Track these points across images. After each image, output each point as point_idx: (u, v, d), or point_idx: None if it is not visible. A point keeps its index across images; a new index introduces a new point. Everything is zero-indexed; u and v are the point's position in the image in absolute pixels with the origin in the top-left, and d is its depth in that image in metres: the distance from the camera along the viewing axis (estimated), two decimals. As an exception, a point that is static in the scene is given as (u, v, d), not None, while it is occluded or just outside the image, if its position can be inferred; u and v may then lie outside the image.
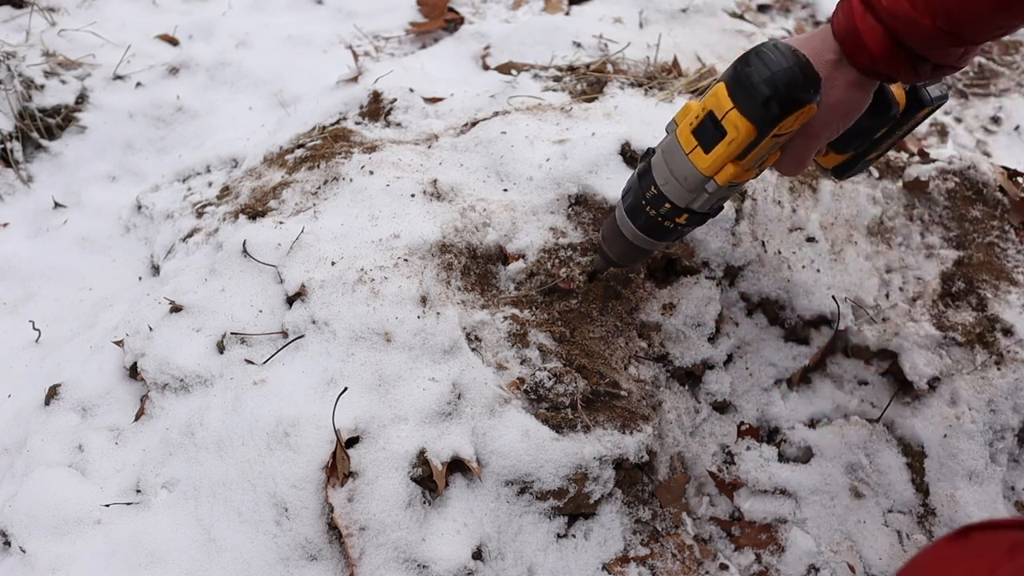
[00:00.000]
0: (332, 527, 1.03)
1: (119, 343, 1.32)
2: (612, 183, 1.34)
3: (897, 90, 1.04)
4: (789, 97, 0.85)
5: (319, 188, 1.46)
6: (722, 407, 1.34)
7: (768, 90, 0.84)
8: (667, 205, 1.01)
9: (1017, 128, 2.03)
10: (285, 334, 1.22)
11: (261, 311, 1.26)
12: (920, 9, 0.80)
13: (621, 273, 1.30)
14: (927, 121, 2.01)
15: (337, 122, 1.71)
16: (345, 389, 1.09)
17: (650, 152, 1.03)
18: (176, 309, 1.30)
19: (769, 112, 0.85)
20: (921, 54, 0.85)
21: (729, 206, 1.35)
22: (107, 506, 1.12)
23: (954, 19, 0.80)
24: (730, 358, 1.36)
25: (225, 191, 1.63)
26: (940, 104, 1.09)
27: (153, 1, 2.43)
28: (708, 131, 0.91)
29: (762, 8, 2.43)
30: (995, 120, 2.06)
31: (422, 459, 1.07)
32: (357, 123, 1.69)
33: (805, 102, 0.85)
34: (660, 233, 1.06)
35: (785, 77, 0.84)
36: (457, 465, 1.09)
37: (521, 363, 1.20)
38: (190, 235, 1.53)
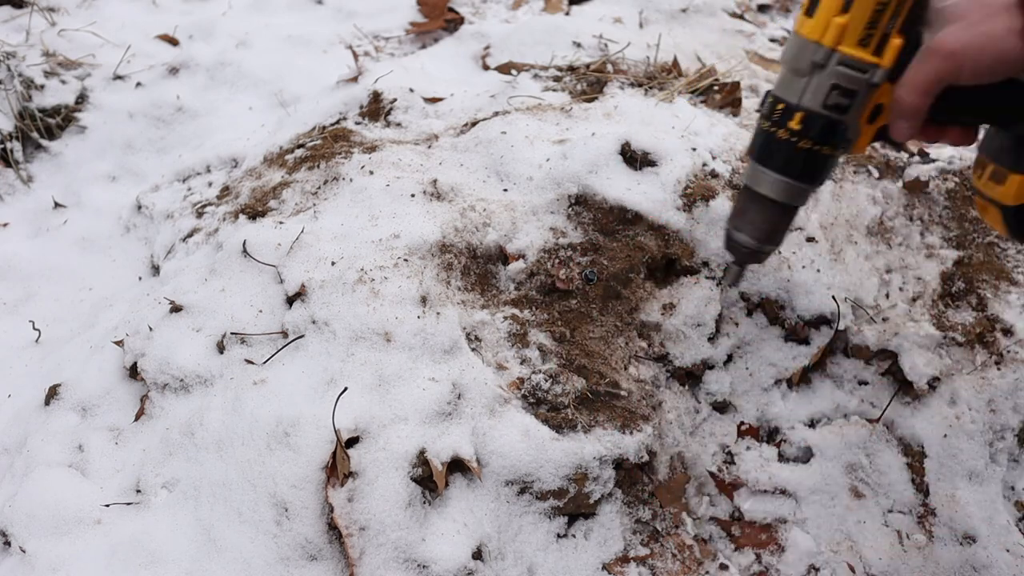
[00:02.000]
0: (332, 527, 1.03)
1: (119, 343, 1.32)
2: (612, 183, 1.34)
3: None
4: None
5: (319, 188, 1.46)
6: (722, 407, 1.34)
7: None
8: (779, 107, 0.88)
9: (1017, 128, 2.02)
10: (285, 334, 1.22)
11: (261, 311, 1.26)
12: None
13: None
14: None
15: (337, 122, 1.71)
16: (345, 389, 1.10)
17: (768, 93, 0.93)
18: (176, 309, 1.30)
19: None
20: None
21: (729, 206, 1.35)
22: (107, 506, 1.12)
23: None
24: (730, 358, 1.36)
25: (225, 191, 1.63)
26: None
27: (153, 1, 2.43)
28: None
29: (762, 8, 2.43)
30: (995, 120, 2.06)
31: (422, 459, 1.07)
32: (357, 123, 1.69)
33: None
34: (792, 161, 0.91)
35: None
36: (457, 465, 1.09)
37: (521, 363, 1.20)
38: (190, 235, 1.53)
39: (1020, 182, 0.90)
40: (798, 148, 0.90)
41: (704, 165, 1.42)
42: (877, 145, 1.72)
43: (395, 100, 1.70)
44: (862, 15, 0.81)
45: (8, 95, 1.91)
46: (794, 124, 0.88)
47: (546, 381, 1.17)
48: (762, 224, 0.98)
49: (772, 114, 0.90)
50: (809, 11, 0.82)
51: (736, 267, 1.06)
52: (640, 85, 1.74)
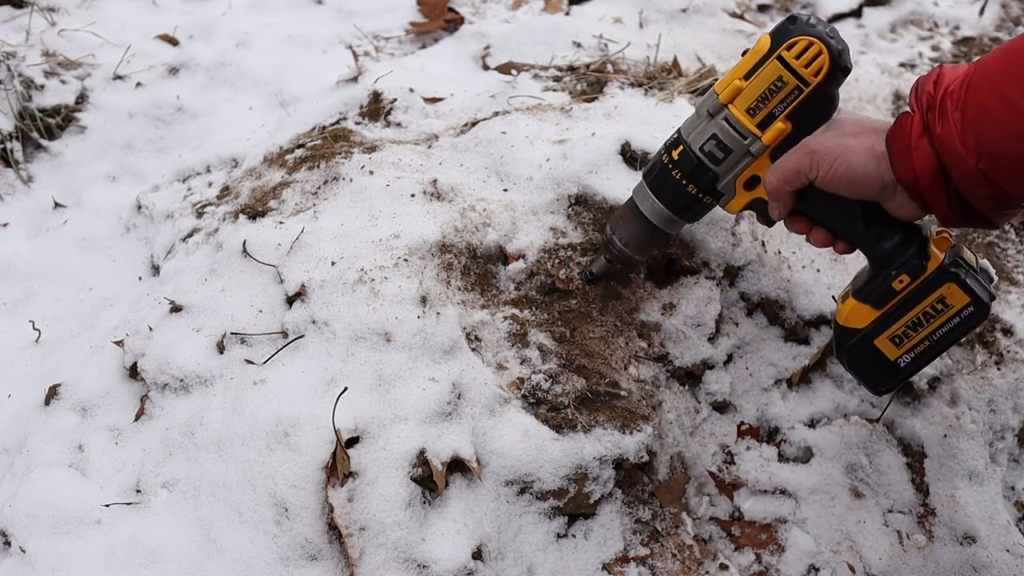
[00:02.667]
0: (332, 527, 1.03)
1: (119, 343, 1.32)
2: (612, 183, 1.34)
3: (934, 251, 0.94)
4: (809, 25, 0.88)
5: (319, 188, 1.46)
6: (722, 407, 1.34)
7: (791, 19, 0.89)
8: (674, 136, 1.02)
9: (1017, 128, 2.02)
10: (285, 334, 1.22)
11: (261, 311, 1.27)
12: (968, 146, 0.79)
13: (623, 272, 1.30)
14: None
15: (337, 122, 1.71)
16: (345, 389, 1.10)
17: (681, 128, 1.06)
18: (176, 309, 1.30)
19: (784, 30, 0.89)
20: (961, 190, 0.84)
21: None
22: (107, 506, 1.12)
23: (996, 164, 0.79)
24: (730, 358, 1.36)
25: (225, 191, 1.63)
26: (976, 316, 0.92)
27: (153, 1, 2.43)
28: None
29: (762, 8, 2.43)
30: (995, 120, 2.06)
31: (422, 459, 1.07)
32: (357, 123, 1.69)
33: (819, 36, 0.88)
34: (669, 192, 1.04)
35: (820, 24, 0.88)
36: (457, 465, 1.09)
37: (521, 363, 1.20)
38: (190, 235, 1.53)
39: (852, 306, 0.98)
40: (672, 176, 1.02)
41: (704, 165, 1.41)
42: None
43: (395, 100, 1.70)
44: (756, 88, 0.92)
45: (8, 95, 1.91)
46: (675, 154, 1.00)
47: (546, 381, 1.17)
48: (634, 235, 1.11)
49: (668, 140, 1.01)
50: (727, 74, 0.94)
51: (604, 261, 1.18)
52: (640, 85, 1.74)
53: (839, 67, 0.90)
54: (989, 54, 0.83)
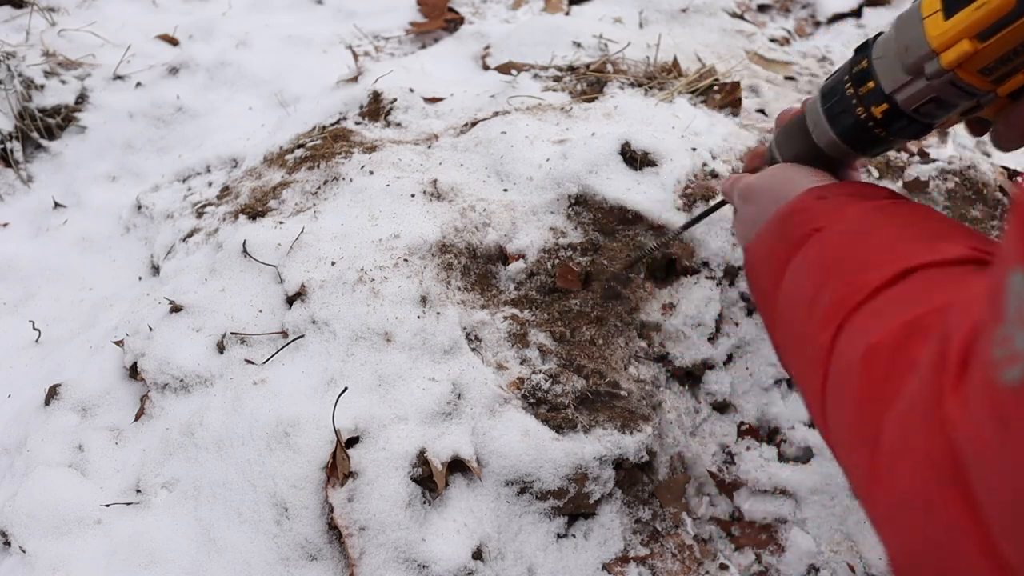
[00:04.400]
0: (332, 527, 1.03)
1: (119, 343, 1.32)
2: (612, 183, 1.34)
3: None
4: None
5: (319, 188, 1.46)
6: (722, 407, 1.34)
7: None
8: (869, 84, 0.80)
9: (1017, 128, 2.02)
10: (285, 334, 1.22)
11: (261, 311, 1.26)
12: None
13: (621, 274, 1.30)
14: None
15: (337, 122, 1.71)
16: (345, 389, 1.09)
17: (868, 44, 0.82)
18: (176, 309, 1.30)
19: None
20: None
21: (729, 206, 1.35)
22: (107, 506, 1.12)
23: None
24: (730, 358, 1.36)
25: (225, 191, 1.63)
26: None
27: (153, 1, 2.43)
28: None
29: (762, 8, 2.43)
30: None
31: (422, 459, 1.07)
32: (357, 123, 1.69)
33: None
34: (866, 142, 0.85)
35: None
36: (457, 465, 1.09)
37: (521, 363, 1.20)
38: (190, 235, 1.53)
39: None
40: (868, 128, 0.84)
41: (704, 165, 1.41)
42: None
43: (395, 100, 1.70)
44: (996, 50, 0.72)
45: (8, 95, 1.91)
46: (876, 111, 0.82)
47: (546, 381, 1.17)
48: (799, 156, 0.94)
49: (860, 85, 0.82)
50: (947, 13, 0.71)
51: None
52: (640, 85, 1.74)
53: None
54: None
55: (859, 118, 0.84)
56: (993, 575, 0.37)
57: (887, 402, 0.50)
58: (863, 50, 0.82)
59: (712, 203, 1.22)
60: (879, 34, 0.81)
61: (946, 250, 0.60)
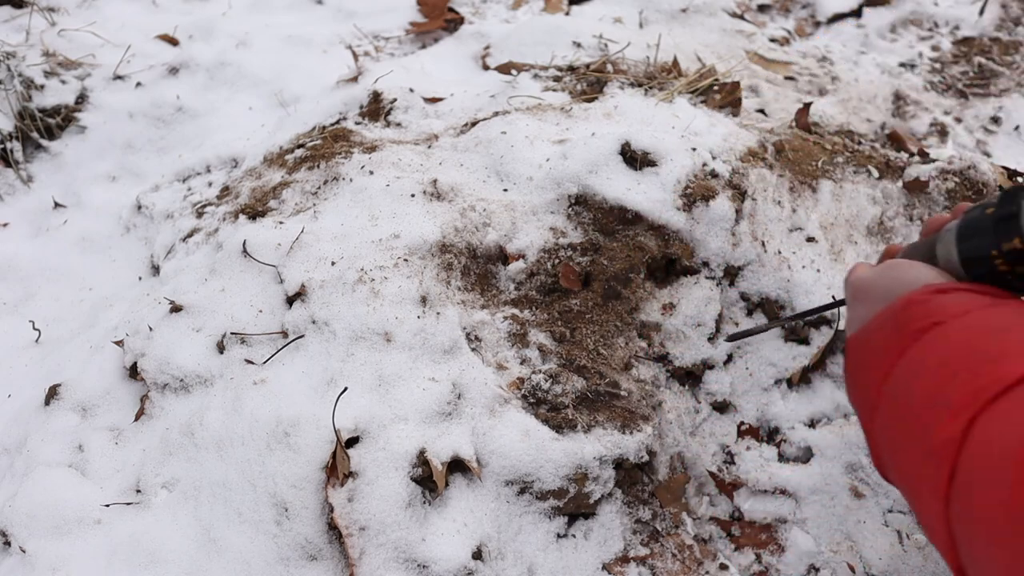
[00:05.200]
0: (332, 527, 1.03)
1: (119, 343, 1.32)
2: (612, 183, 1.34)
3: None
4: None
5: (319, 188, 1.46)
6: (722, 407, 1.34)
7: None
8: (1017, 243, 0.76)
9: (1017, 128, 2.03)
10: (285, 334, 1.22)
11: (261, 311, 1.26)
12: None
13: (622, 275, 1.30)
14: (926, 120, 2.01)
15: (337, 122, 1.71)
16: (345, 389, 1.10)
17: (1020, 193, 0.77)
18: (176, 309, 1.30)
19: None
20: None
21: (729, 206, 1.35)
22: (107, 506, 1.12)
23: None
24: (730, 358, 1.36)
25: (225, 191, 1.63)
26: None
27: (153, 1, 2.43)
28: None
29: (762, 8, 2.43)
30: (995, 120, 2.06)
31: (422, 459, 1.07)
32: (357, 123, 1.69)
33: None
34: (996, 282, 0.82)
35: None
36: (457, 465, 1.09)
37: (521, 363, 1.20)
38: (190, 235, 1.53)
39: None
40: (1006, 274, 0.80)
41: (704, 165, 1.41)
42: (878, 145, 1.72)
43: (395, 100, 1.70)
44: None
45: (8, 95, 1.91)
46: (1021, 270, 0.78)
47: (546, 381, 1.17)
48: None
49: (1017, 266, 0.78)
50: None
51: None
52: (640, 85, 1.74)
53: None
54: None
55: (1002, 272, 0.80)
56: None
57: None
58: (1010, 220, 0.77)
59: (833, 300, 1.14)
60: (1018, 193, 0.77)
61: None
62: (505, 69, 1.90)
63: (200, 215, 1.58)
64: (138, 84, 2.06)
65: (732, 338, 1.31)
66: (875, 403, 0.72)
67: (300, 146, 1.63)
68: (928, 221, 0.93)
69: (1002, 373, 0.57)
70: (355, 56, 2.09)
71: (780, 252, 1.38)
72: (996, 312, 0.68)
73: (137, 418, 1.23)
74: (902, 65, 2.17)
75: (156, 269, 1.59)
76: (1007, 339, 0.62)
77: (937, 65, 2.21)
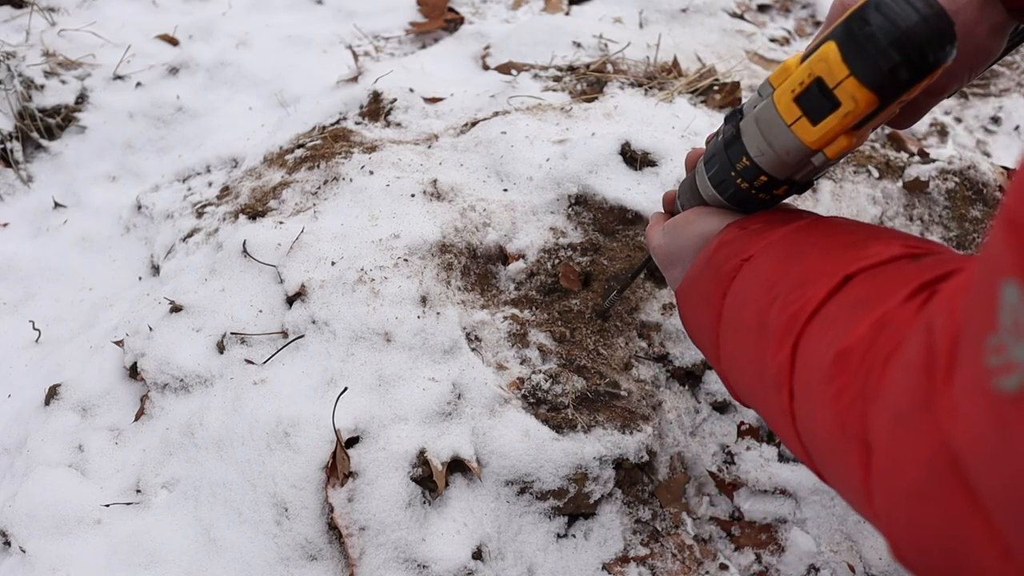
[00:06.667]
0: (332, 527, 1.03)
1: (119, 343, 1.32)
2: (612, 183, 1.34)
3: None
4: (922, 61, 0.67)
5: (319, 188, 1.46)
6: (722, 407, 1.34)
7: (897, 55, 0.66)
8: (763, 178, 0.84)
9: (1017, 128, 2.03)
10: (285, 334, 1.22)
11: (261, 311, 1.26)
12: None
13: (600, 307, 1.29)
14: (926, 120, 2.01)
15: (337, 122, 1.71)
16: (345, 389, 1.09)
17: (737, 115, 0.84)
18: (176, 309, 1.30)
19: (896, 79, 0.69)
20: None
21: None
22: (107, 506, 1.12)
23: None
24: (730, 358, 1.35)
25: (225, 191, 1.63)
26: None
27: (153, 1, 2.43)
28: (815, 100, 0.75)
29: (762, 8, 2.43)
30: (995, 120, 2.06)
31: (422, 459, 1.07)
32: (357, 123, 1.69)
33: (940, 63, 0.68)
34: (753, 205, 0.89)
35: (917, 36, 0.67)
36: (457, 465, 1.09)
37: (521, 363, 1.20)
38: (190, 235, 1.53)
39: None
40: (757, 197, 0.87)
41: (704, 165, 1.42)
42: (878, 145, 1.72)
43: (395, 100, 1.70)
44: (868, 131, 0.77)
45: (8, 95, 1.91)
46: (779, 192, 0.85)
47: (546, 381, 1.17)
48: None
49: (753, 180, 0.85)
50: (813, 120, 0.76)
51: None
52: (640, 85, 1.74)
53: None
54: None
55: (763, 200, 0.87)
56: (998, 559, 0.39)
57: (870, 399, 0.51)
58: (734, 142, 0.83)
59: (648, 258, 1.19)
60: (736, 115, 0.83)
61: (879, 251, 0.63)
62: (505, 69, 1.90)
63: (200, 215, 1.58)
64: (138, 84, 2.06)
65: (604, 310, 1.27)
66: (715, 342, 0.77)
67: (300, 146, 1.63)
68: (687, 156, 0.98)
69: (808, 296, 0.62)
70: (355, 56, 2.09)
71: (780, 252, 1.38)
72: (794, 237, 0.74)
73: (137, 418, 1.23)
74: (902, 65, 2.17)
75: (156, 269, 1.59)
76: (807, 262, 0.68)
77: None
